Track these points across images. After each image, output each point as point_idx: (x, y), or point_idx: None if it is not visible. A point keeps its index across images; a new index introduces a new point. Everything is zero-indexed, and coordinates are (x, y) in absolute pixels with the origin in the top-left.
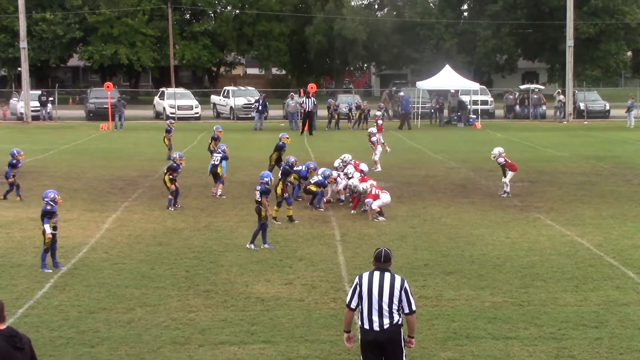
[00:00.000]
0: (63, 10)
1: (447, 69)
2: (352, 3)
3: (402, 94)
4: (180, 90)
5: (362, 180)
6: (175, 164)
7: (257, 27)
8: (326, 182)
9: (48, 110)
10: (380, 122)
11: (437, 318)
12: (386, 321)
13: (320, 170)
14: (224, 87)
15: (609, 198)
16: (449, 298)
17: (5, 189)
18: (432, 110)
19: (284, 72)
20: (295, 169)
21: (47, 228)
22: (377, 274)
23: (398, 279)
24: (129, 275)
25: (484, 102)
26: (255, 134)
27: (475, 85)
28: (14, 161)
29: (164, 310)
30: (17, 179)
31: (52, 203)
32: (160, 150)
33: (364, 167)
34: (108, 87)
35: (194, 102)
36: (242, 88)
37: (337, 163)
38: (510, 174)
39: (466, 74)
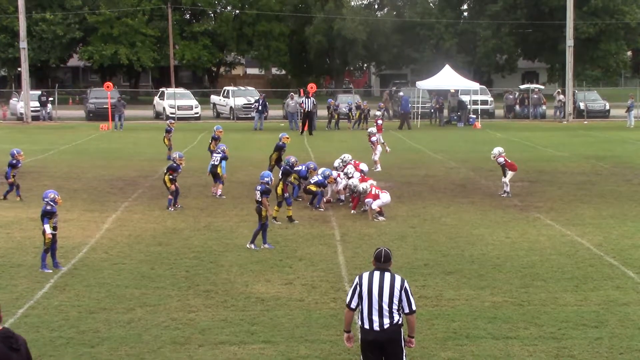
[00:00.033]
0: (63, 10)
1: (447, 69)
2: (352, 3)
3: (401, 93)
4: (180, 90)
5: (362, 180)
6: (175, 164)
7: (257, 27)
8: (326, 182)
9: (48, 111)
10: (380, 122)
11: (437, 318)
12: (386, 321)
13: (320, 170)
14: (224, 87)
15: (609, 198)
16: (449, 298)
17: (5, 189)
18: (432, 110)
19: (283, 72)
20: (295, 169)
21: (47, 228)
22: (377, 273)
23: (398, 278)
24: (129, 275)
25: (484, 102)
26: (255, 134)
27: (475, 85)
28: (14, 161)
29: (164, 310)
30: (17, 179)
31: (52, 203)
32: (160, 150)
33: (363, 167)
34: (108, 87)
35: (193, 102)
36: (242, 88)
37: (337, 163)
38: (510, 173)
39: (466, 73)
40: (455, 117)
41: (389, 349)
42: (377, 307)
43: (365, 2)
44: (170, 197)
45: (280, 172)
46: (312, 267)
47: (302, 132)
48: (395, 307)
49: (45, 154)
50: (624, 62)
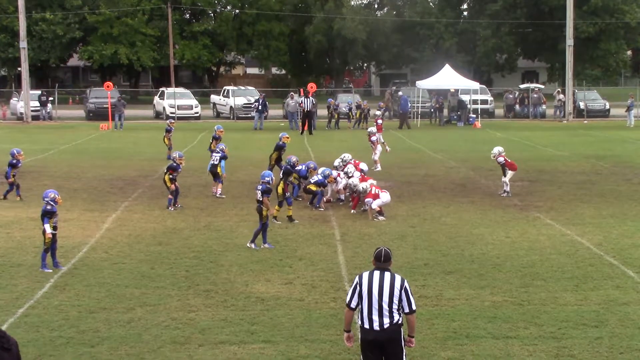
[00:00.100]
0: (63, 10)
1: (447, 69)
2: (352, 2)
3: (400, 93)
4: (180, 90)
5: (362, 179)
6: (175, 164)
7: (256, 27)
8: (326, 181)
9: (48, 110)
10: (380, 121)
11: (437, 317)
12: (386, 320)
13: (320, 170)
14: (224, 87)
15: (609, 197)
16: (449, 297)
17: (5, 188)
18: (432, 110)
19: (283, 71)
20: (295, 168)
21: (47, 228)
22: (377, 273)
23: (398, 278)
24: (129, 275)
25: (484, 102)
26: (255, 133)
27: (475, 85)
28: (14, 161)
29: (164, 309)
30: (17, 178)
31: (52, 203)
32: (160, 150)
33: (363, 166)
34: (108, 87)
35: (193, 101)
36: (242, 88)
37: (337, 162)
38: (510, 173)
39: (466, 73)
40: (455, 117)
41: (389, 348)
42: (377, 307)
43: (365, 2)
44: (170, 196)
45: (282, 171)
46: (312, 266)
47: (302, 131)
48: (395, 306)
49: (45, 153)
50: (624, 62)
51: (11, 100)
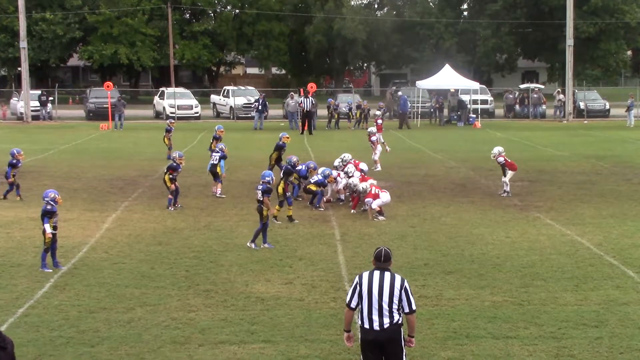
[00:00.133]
0: (63, 10)
1: (447, 69)
2: (352, 2)
3: (400, 93)
4: (180, 89)
5: (362, 179)
6: (175, 164)
7: (256, 27)
8: (326, 181)
9: (48, 110)
10: (380, 121)
11: (437, 317)
12: (386, 320)
13: (320, 170)
14: (224, 87)
15: (609, 197)
16: (449, 297)
17: (5, 188)
18: (432, 110)
19: (283, 71)
20: (295, 168)
21: (47, 228)
22: (377, 273)
23: (398, 278)
24: (129, 274)
25: (484, 102)
26: (255, 133)
27: (475, 85)
28: (14, 161)
29: (164, 309)
30: (17, 178)
31: (52, 203)
32: (160, 149)
33: (363, 166)
34: (108, 86)
35: (193, 101)
36: (242, 88)
37: (337, 162)
38: (510, 173)
39: (466, 73)
40: (455, 117)
41: (389, 348)
42: (377, 307)
43: (365, 2)
44: (170, 196)
45: (282, 171)
46: (312, 266)
47: (302, 131)
48: (395, 306)
49: (45, 153)
50: (624, 62)
51: (11, 100)
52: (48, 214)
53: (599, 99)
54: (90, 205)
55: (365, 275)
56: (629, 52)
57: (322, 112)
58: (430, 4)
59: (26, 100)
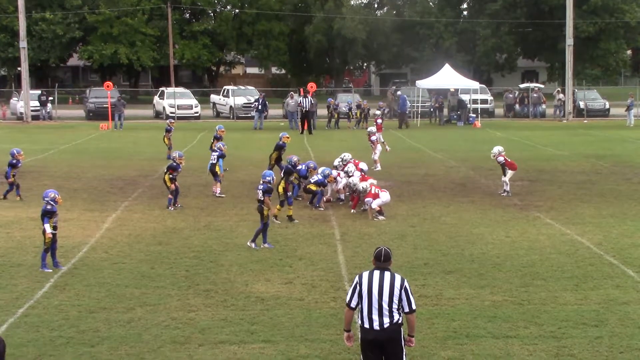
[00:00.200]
0: (63, 10)
1: (447, 68)
2: (352, 2)
3: (399, 92)
4: (180, 89)
5: (362, 179)
6: (175, 163)
7: (256, 27)
8: (326, 181)
9: (48, 110)
10: (379, 121)
11: (437, 317)
12: (386, 320)
13: (320, 170)
14: (224, 87)
15: (609, 197)
16: (449, 297)
17: (5, 188)
18: (432, 109)
19: (283, 71)
20: (296, 168)
21: (48, 228)
22: (377, 273)
23: (398, 278)
24: (129, 274)
25: (484, 101)
26: (255, 133)
27: (475, 84)
28: (14, 161)
29: (164, 309)
30: (17, 178)
31: (52, 203)
32: (160, 149)
33: (363, 166)
34: (108, 86)
35: (193, 101)
36: (242, 87)
37: (336, 162)
38: (510, 172)
39: (466, 72)
40: (455, 116)
41: (389, 348)
42: (377, 307)
43: (364, 2)
44: (170, 196)
45: (283, 171)
46: (312, 266)
47: (302, 131)
48: (395, 306)
49: (45, 153)
50: (624, 61)
51: (11, 100)
52: (48, 214)
53: (598, 99)
54: (90, 205)
55: (365, 275)
56: (629, 52)
57: (322, 111)
58: (430, 3)
59: (26, 100)
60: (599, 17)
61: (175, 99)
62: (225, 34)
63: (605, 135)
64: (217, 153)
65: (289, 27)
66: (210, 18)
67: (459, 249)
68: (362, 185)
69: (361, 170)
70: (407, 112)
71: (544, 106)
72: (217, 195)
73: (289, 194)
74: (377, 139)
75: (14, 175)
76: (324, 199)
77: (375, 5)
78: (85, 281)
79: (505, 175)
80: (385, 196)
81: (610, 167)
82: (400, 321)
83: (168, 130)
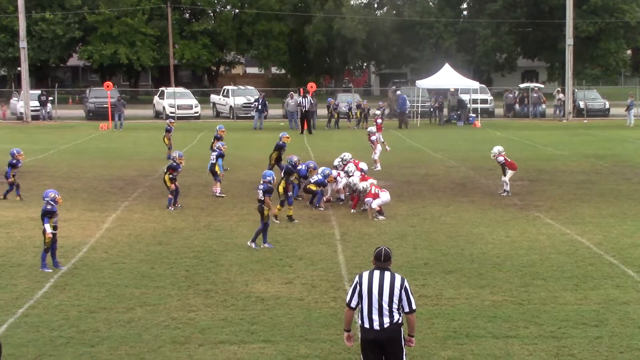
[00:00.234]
0: (63, 10)
1: (447, 68)
2: (352, 2)
3: (399, 92)
4: (180, 89)
5: (362, 179)
6: (175, 163)
7: (256, 27)
8: (326, 181)
9: (48, 110)
10: (379, 120)
11: (437, 317)
12: (386, 320)
13: (320, 169)
14: (224, 87)
15: (609, 197)
16: (449, 297)
17: (5, 188)
18: (432, 109)
19: (283, 71)
20: (296, 168)
21: (48, 228)
22: (377, 273)
23: (398, 277)
24: (129, 274)
25: (484, 101)
26: (255, 133)
27: (475, 84)
28: (14, 161)
29: (164, 309)
30: (17, 178)
31: (52, 202)
32: (160, 149)
33: (363, 166)
34: (108, 86)
35: (193, 101)
36: (242, 87)
37: (336, 162)
38: (510, 172)
39: (466, 72)
40: (455, 116)
41: (389, 348)
42: (377, 306)
43: (364, 1)
44: (170, 196)
45: (283, 171)
46: (312, 266)
47: (301, 131)
48: (395, 306)
49: (45, 153)
50: (624, 61)
51: (11, 100)
52: (48, 214)
53: (598, 98)
54: (90, 205)
55: (365, 274)
56: (629, 52)
57: (322, 111)
58: (430, 3)
59: (26, 100)
60: (599, 17)
61: (175, 99)
62: (225, 34)
63: (605, 135)
64: (216, 153)
65: (288, 27)
66: (210, 18)
67: (459, 248)
68: (362, 185)
69: (361, 170)
70: (407, 112)
71: (544, 106)
72: (217, 195)
73: (290, 193)
74: (377, 139)
75: (14, 175)
76: (324, 199)
77: (375, 5)
78: (85, 281)
79: (505, 175)
80: (385, 196)
81: (610, 167)
82: (400, 321)
83: (168, 130)
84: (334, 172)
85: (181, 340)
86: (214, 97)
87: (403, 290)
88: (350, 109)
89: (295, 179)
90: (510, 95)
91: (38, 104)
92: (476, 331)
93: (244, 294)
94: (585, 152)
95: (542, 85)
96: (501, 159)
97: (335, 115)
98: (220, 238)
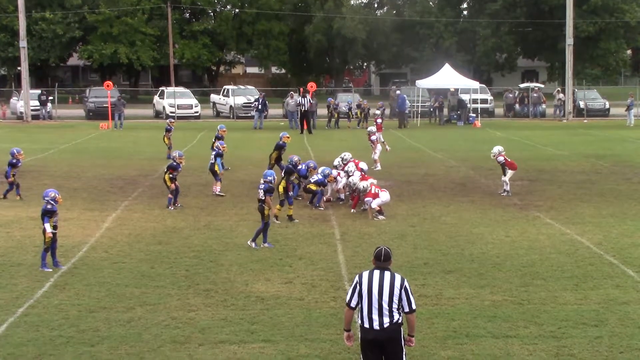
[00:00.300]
0: (63, 9)
1: (447, 68)
2: (352, 2)
3: (398, 92)
4: (180, 89)
5: (362, 178)
6: (175, 163)
7: (256, 26)
8: (326, 180)
9: (48, 110)
10: (379, 120)
11: (437, 317)
12: (386, 320)
13: (320, 169)
14: (224, 86)
15: (609, 196)
16: (449, 297)
17: (5, 188)
18: (432, 109)
19: (283, 71)
20: (296, 167)
21: (48, 227)
22: (377, 272)
23: (398, 277)
24: (129, 274)
25: (484, 101)
26: (255, 133)
27: (475, 84)
28: (14, 160)
29: (164, 309)
30: (17, 178)
31: (52, 202)
32: (160, 149)
33: (363, 165)
34: (108, 86)
35: (193, 101)
36: (242, 87)
37: (336, 162)
38: (510, 172)
39: (466, 72)
40: (455, 116)
41: (389, 347)
42: (377, 306)
43: (364, 1)
44: (170, 196)
45: (283, 171)
46: (312, 266)
47: (302, 131)
48: (395, 306)
49: (45, 153)
50: (624, 61)
51: (11, 100)
52: (48, 213)
53: (598, 98)
54: (90, 205)
55: (365, 274)
56: (629, 51)
57: (322, 111)
58: (430, 3)
59: (26, 99)
60: (599, 17)
61: (175, 99)
62: (225, 34)
63: (605, 135)
64: (215, 152)
65: (288, 27)
66: (210, 18)
67: (458, 248)
68: (362, 185)
69: (361, 169)
70: (407, 112)
71: (544, 106)
72: (217, 194)
73: (290, 193)
74: (377, 139)
75: (14, 175)
76: (324, 198)
77: (375, 5)
78: (85, 280)
79: (505, 175)
80: (385, 196)
81: (610, 167)
82: (400, 321)
83: (168, 130)
84: (334, 172)
85: (181, 340)
86: (214, 97)
87: (403, 290)
88: (350, 109)
89: (295, 178)
90: (510, 95)
91: (38, 104)
92: (476, 331)
93: (244, 293)
94: (585, 152)
95: (542, 85)
96: (501, 158)
97: (335, 115)
98: (220, 238)
